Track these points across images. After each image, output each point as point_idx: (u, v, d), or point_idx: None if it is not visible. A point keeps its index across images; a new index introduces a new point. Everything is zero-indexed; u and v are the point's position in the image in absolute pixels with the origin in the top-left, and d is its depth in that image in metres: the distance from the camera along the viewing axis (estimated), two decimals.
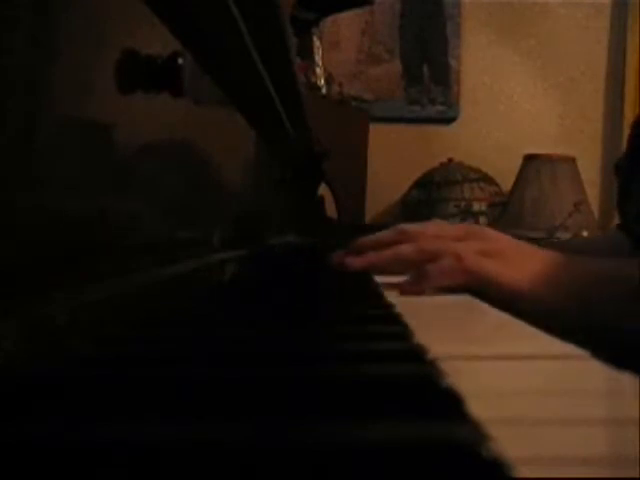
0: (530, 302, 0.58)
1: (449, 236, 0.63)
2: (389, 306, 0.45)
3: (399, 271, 0.62)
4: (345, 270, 0.63)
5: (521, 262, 0.60)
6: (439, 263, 0.59)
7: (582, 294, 0.58)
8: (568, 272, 0.59)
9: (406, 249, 0.62)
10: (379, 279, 0.65)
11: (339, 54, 2.62)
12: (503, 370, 0.31)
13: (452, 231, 0.64)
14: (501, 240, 0.63)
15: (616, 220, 0.99)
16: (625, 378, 0.28)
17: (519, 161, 2.44)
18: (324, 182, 1.51)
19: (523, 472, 0.17)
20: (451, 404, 0.20)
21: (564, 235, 2.25)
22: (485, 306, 0.51)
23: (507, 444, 0.18)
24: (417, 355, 0.28)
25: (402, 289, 0.58)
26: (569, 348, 0.34)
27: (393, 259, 0.63)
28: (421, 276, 0.59)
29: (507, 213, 2.41)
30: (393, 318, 0.39)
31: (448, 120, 2.72)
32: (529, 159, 2.41)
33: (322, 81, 1.91)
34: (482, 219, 2.43)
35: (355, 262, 0.63)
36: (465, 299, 0.57)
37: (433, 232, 0.64)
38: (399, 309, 0.43)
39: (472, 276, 0.59)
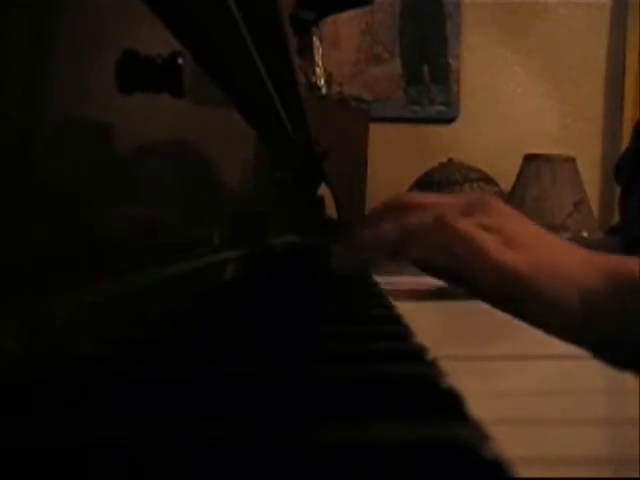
0: (525, 290, 0.49)
1: (451, 206, 0.53)
2: (390, 306, 0.45)
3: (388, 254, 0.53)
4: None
5: (528, 245, 0.50)
6: (423, 224, 0.50)
7: (593, 293, 0.49)
8: (586, 266, 0.50)
9: (388, 227, 0.52)
10: (378, 279, 0.65)
11: (339, 54, 2.62)
12: (503, 370, 0.31)
13: (456, 203, 0.54)
14: (512, 218, 0.53)
15: (616, 220, 0.99)
16: (625, 378, 0.28)
17: (519, 161, 2.44)
18: (324, 182, 1.51)
19: (523, 472, 0.17)
20: (451, 404, 0.20)
21: (564, 235, 2.25)
22: (483, 305, 0.51)
23: (507, 444, 0.18)
24: (417, 355, 0.28)
25: (362, 244, 0.51)
26: (569, 348, 0.34)
27: (375, 241, 0.53)
28: (402, 239, 0.49)
29: None
30: (393, 318, 0.39)
31: (448, 120, 2.72)
32: (529, 159, 2.41)
33: (322, 81, 1.91)
34: None
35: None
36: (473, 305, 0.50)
37: (432, 202, 0.54)
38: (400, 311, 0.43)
39: (464, 247, 0.49)
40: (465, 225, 0.49)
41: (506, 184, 2.49)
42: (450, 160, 2.52)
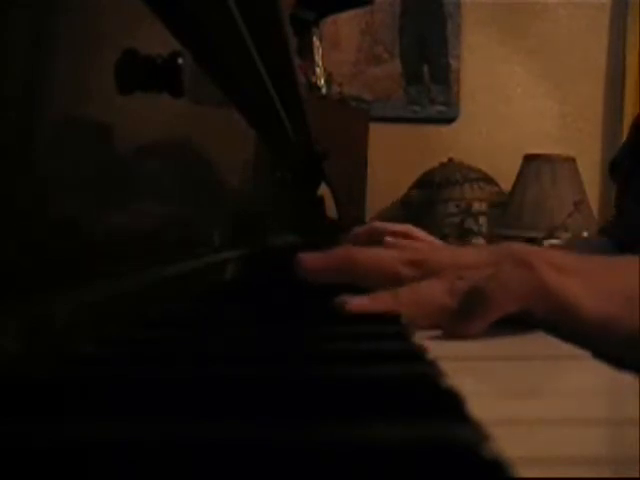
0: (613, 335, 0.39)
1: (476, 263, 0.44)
2: None
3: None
4: (342, 309, 0.42)
5: (599, 277, 0.41)
6: (503, 278, 0.39)
7: None
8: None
9: (437, 288, 0.42)
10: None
11: (339, 54, 2.62)
12: (503, 370, 0.31)
13: (475, 255, 0.45)
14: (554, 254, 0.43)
15: None
16: (625, 378, 0.28)
17: (519, 161, 2.44)
18: (324, 182, 1.51)
19: (523, 472, 0.17)
20: (451, 404, 0.20)
21: (564, 235, 2.25)
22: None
23: (507, 444, 0.18)
24: (417, 355, 0.28)
25: (449, 330, 0.39)
26: (569, 348, 0.34)
27: (419, 303, 0.42)
28: (480, 302, 0.39)
29: (507, 213, 2.41)
30: (393, 318, 0.39)
31: (448, 120, 2.72)
32: (529, 159, 2.41)
33: (322, 81, 1.91)
34: (482, 219, 2.43)
35: (358, 306, 0.42)
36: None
37: (449, 260, 0.45)
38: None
39: (548, 298, 0.39)
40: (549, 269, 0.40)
41: (506, 184, 2.49)
42: (450, 160, 2.52)
